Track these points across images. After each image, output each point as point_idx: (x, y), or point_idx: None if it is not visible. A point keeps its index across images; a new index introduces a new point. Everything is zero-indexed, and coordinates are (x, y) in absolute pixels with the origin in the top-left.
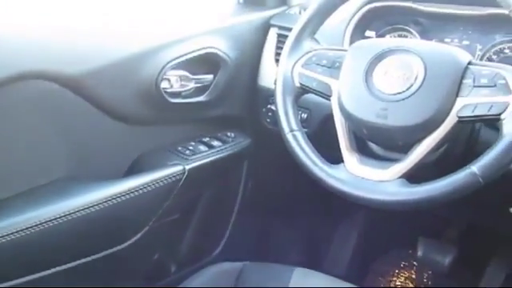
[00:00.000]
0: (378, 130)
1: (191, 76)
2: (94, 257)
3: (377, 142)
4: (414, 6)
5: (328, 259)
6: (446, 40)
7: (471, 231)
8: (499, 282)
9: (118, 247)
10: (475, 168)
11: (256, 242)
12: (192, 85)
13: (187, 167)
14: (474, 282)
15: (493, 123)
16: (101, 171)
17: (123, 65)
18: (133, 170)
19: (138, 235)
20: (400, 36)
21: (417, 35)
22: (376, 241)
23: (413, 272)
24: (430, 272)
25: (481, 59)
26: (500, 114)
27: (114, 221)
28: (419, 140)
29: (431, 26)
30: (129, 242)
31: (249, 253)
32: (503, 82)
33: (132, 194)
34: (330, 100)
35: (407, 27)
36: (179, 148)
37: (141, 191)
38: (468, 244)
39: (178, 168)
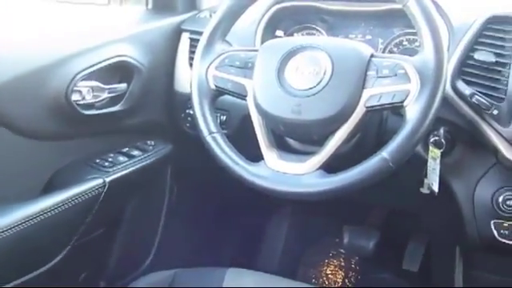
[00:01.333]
0: (294, 125)
1: (104, 86)
2: (14, 283)
3: (294, 137)
4: (320, 5)
5: (261, 256)
6: (351, 36)
7: (391, 215)
8: (418, 261)
9: (40, 270)
10: (385, 154)
11: (187, 247)
12: (105, 95)
13: (107, 180)
14: (396, 263)
15: (398, 110)
16: (13, 193)
17: (28, 78)
18: (49, 189)
19: (60, 256)
20: (308, 34)
21: (324, 32)
22: (304, 233)
23: (341, 260)
24: (356, 258)
25: (383, 52)
26: (403, 102)
27: (31, 243)
28: (333, 132)
29: (337, 23)
30: (51, 264)
31: (181, 259)
32: (403, 71)
33: (49, 214)
34: (246, 100)
35: (314, 25)
36: (97, 161)
37: (59, 209)
38: (389, 227)
39: (98, 181)
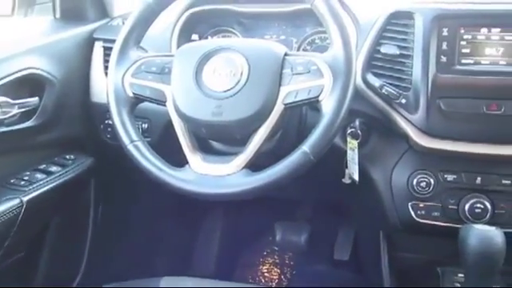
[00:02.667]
0: (216, 127)
1: (13, 101)
2: None
3: (217, 139)
4: (234, 8)
5: (196, 262)
6: (266, 36)
7: (320, 208)
8: (348, 250)
9: None
10: (306, 147)
11: (119, 261)
12: (15, 110)
13: (24, 199)
14: (328, 254)
15: (314, 105)
16: None
17: None
18: None
19: None
20: (224, 37)
21: (239, 35)
22: (238, 234)
23: (276, 257)
24: (290, 253)
25: (297, 50)
26: (318, 96)
27: None
28: (254, 130)
29: (252, 25)
30: None
31: (113, 274)
32: (315, 67)
33: None
34: (165, 106)
35: (230, 28)
36: (12, 180)
37: None
38: (319, 220)
39: (14, 202)
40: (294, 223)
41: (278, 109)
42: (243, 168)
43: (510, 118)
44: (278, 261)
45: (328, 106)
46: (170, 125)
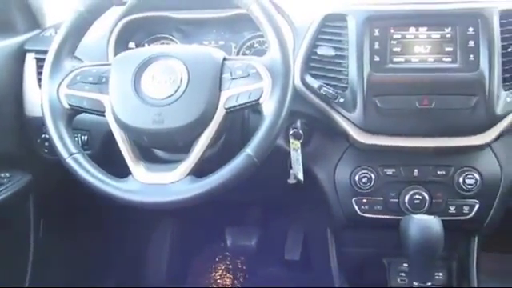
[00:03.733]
0: (158, 135)
1: None
2: None
3: (160, 147)
4: (170, 14)
5: (147, 272)
6: (205, 42)
7: (269, 210)
8: (298, 250)
9: None
10: (249, 150)
11: (66, 280)
12: None
13: None
14: (279, 255)
15: (256, 108)
16: None
17: None
18: None
19: None
20: (163, 44)
21: (178, 41)
22: (189, 242)
23: (228, 262)
24: (242, 258)
25: (237, 55)
26: (259, 99)
27: None
28: (197, 137)
29: (190, 31)
30: None
31: None
32: (254, 71)
33: None
34: (105, 116)
35: (168, 35)
36: None
37: None
38: (269, 222)
39: None
40: (244, 227)
41: (220, 113)
42: (188, 175)
43: (440, 112)
44: (230, 266)
45: (269, 108)
46: (110, 135)
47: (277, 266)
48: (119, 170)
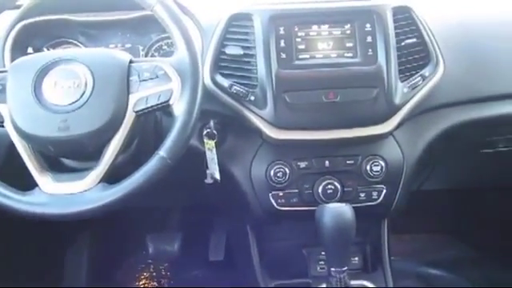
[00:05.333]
0: (64, 142)
1: None
2: None
3: (67, 156)
4: (73, 17)
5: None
6: (111, 46)
7: (189, 212)
8: (222, 250)
9: None
10: (162, 152)
11: None
12: None
13: None
14: (204, 257)
15: (167, 110)
16: None
17: None
18: None
19: None
20: (66, 48)
21: (82, 45)
22: (109, 255)
23: (151, 270)
24: (166, 264)
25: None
26: (169, 101)
27: None
28: (107, 142)
29: (96, 34)
30: None
31: None
32: (163, 72)
33: None
34: (4, 126)
35: (72, 39)
36: None
37: None
38: (191, 225)
39: None
40: (165, 233)
41: (130, 117)
42: (99, 182)
43: (345, 105)
44: (154, 274)
45: (179, 109)
46: (12, 146)
47: (202, 269)
48: (27, 182)
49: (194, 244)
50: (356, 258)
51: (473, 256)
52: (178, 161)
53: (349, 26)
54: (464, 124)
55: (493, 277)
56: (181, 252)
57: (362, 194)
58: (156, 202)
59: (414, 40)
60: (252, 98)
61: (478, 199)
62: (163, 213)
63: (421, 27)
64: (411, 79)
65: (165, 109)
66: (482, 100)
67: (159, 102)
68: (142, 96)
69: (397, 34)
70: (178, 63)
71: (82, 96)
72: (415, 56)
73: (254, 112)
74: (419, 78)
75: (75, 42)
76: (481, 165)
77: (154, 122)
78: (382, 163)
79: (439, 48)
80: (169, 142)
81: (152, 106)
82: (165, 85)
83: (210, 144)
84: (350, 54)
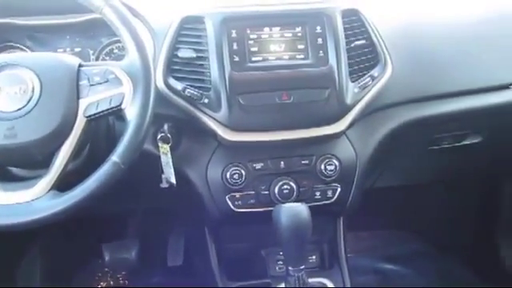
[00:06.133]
0: (11, 151)
1: None
2: None
3: (15, 164)
4: (17, 21)
5: None
6: (60, 50)
7: (146, 219)
8: (180, 255)
9: None
10: (115, 157)
11: None
12: None
13: None
14: (162, 263)
15: (119, 114)
16: None
17: None
18: None
19: None
20: (12, 53)
21: (28, 50)
22: (63, 266)
23: (109, 279)
24: (123, 272)
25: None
26: (120, 105)
27: None
28: (57, 149)
29: (44, 38)
30: None
31: None
32: (113, 76)
33: None
34: None
35: (19, 43)
36: None
37: None
38: (147, 232)
39: None
40: (122, 241)
41: (80, 122)
42: (50, 190)
43: (299, 105)
44: (111, 282)
45: (132, 113)
46: None
47: (160, 275)
48: None
49: (152, 250)
50: (313, 257)
51: (426, 250)
52: (131, 166)
53: (300, 28)
54: (412, 122)
55: (446, 270)
56: (139, 259)
57: (318, 193)
58: (111, 209)
59: (363, 41)
60: (206, 100)
61: (429, 195)
62: (119, 220)
63: (369, 29)
64: (361, 80)
65: (117, 113)
66: (428, 99)
67: (111, 107)
68: (93, 101)
69: (346, 36)
70: (129, 67)
71: (28, 102)
72: (364, 57)
73: (208, 115)
74: (369, 78)
75: (22, 46)
76: (429, 161)
77: (106, 126)
78: (336, 162)
79: (387, 49)
80: (121, 147)
81: (103, 111)
82: (116, 89)
83: (164, 148)
84: (302, 56)
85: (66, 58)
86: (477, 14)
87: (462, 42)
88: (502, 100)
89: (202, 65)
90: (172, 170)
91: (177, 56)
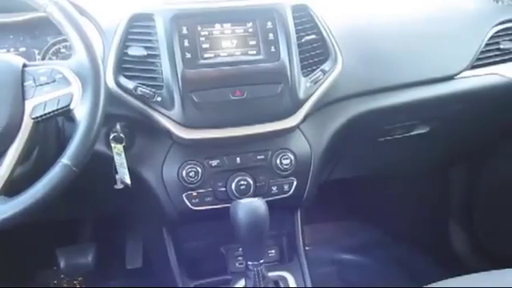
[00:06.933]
0: None
1: None
2: None
3: None
4: None
5: None
6: (3, 50)
7: (102, 222)
8: (139, 257)
9: None
10: (65, 160)
11: None
12: None
13: None
14: (121, 267)
15: (68, 115)
16: None
17: None
18: None
19: None
20: None
21: None
22: (17, 271)
23: (65, 285)
24: (80, 278)
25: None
26: (69, 105)
27: None
28: (2, 153)
29: None
30: None
31: None
32: (61, 75)
33: None
34: None
35: None
36: None
37: None
38: (104, 235)
39: None
40: (77, 245)
41: (27, 125)
42: None
43: (252, 101)
44: None
45: (81, 113)
46: None
47: (119, 278)
48: None
49: (109, 253)
50: (273, 251)
51: (383, 240)
52: (83, 168)
53: (251, 24)
54: (363, 114)
55: (401, 257)
56: (95, 263)
57: (274, 188)
58: (65, 213)
59: (313, 36)
60: (159, 99)
61: (383, 185)
62: (74, 223)
63: (319, 24)
64: (313, 74)
65: (66, 114)
66: (378, 91)
67: (59, 107)
68: (40, 101)
69: (297, 31)
70: (77, 66)
71: None
72: (315, 52)
73: (161, 113)
74: (320, 72)
75: None
76: (381, 152)
77: (55, 128)
78: (291, 156)
79: (337, 44)
80: (72, 149)
81: (51, 112)
82: (64, 89)
83: (117, 148)
84: (254, 52)
85: (9, 58)
86: (421, 12)
87: (408, 37)
88: (446, 91)
89: (154, 63)
90: (126, 171)
91: (127, 54)
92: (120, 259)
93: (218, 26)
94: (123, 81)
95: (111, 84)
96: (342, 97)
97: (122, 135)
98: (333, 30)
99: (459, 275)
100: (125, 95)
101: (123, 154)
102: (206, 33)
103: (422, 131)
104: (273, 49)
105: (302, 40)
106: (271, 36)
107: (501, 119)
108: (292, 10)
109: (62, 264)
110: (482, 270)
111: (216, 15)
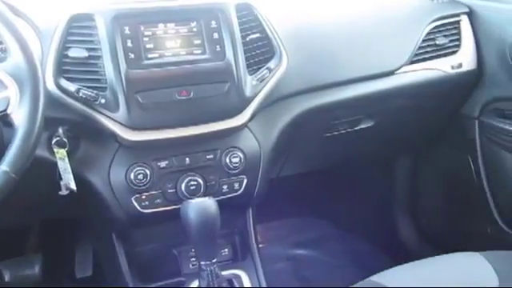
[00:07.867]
0: None
1: None
2: None
3: None
4: None
5: None
6: None
7: (48, 232)
8: (89, 265)
9: None
10: (4, 166)
11: None
12: None
13: None
14: (70, 276)
15: (5, 120)
16: None
17: None
18: None
19: None
20: None
21: None
22: None
23: None
24: None
25: None
26: (6, 110)
27: None
28: None
29: None
30: None
31: None
32: None
33: None
34: None
35: None
36: None
37: None
38: (52, 245)
39: None
40: (21, 257)
41: None
42: None
43: (199, 101)
44: None
45: (20, 118)
46: None
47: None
48: None
49: (57, 263)
50: (226, 250)
51: (335, 233)
52: (25, 174)
53: (195, 23)
54: (310, 110)
55: (353, 249)
56: (43, 274)
57: (225, 187)
58: (8, 223)
59: (258, 35)
60: (102, 101)
61: (332, 180)
62: (18, 234)
63: (263, 23)
64: (258, 72)
65: (3, 119)
66: (323, 88)
67: None
68: None
69: (241, 30)
70: (14, 69)
71: None
72: (260, 50)
73: (106, 115)
74: (266, 70)
75: None
76: (329, 147)
77: None
78: (241, 154)
79: (282, 42)
80: (11, 155)
81: None
82: (0, 93)
83: (61, 153)
84: (199, 51)
85: None
86: (364, 11)
87: (351, 36)
88: (388, 85)
89: (96, 64)
90: (71, 176)
91: (67, 56)
92: (69, 268)
93: (161, 25)
94: (64, 83)
95: (51, 87)
96: (289, 94)
97: (64, 139)
98: (278, 29)
99: (406, 262)
100: (67, 98)
101: (67, 159)
102: (150, 33)
103: (367, 125)
104: (218, 48)
105: (247, 39)
106: (216, 35)
107: (439, 111)
108: (236, 9)
109: (7, 277)
110: (427, 256)
111: (159, 15)
